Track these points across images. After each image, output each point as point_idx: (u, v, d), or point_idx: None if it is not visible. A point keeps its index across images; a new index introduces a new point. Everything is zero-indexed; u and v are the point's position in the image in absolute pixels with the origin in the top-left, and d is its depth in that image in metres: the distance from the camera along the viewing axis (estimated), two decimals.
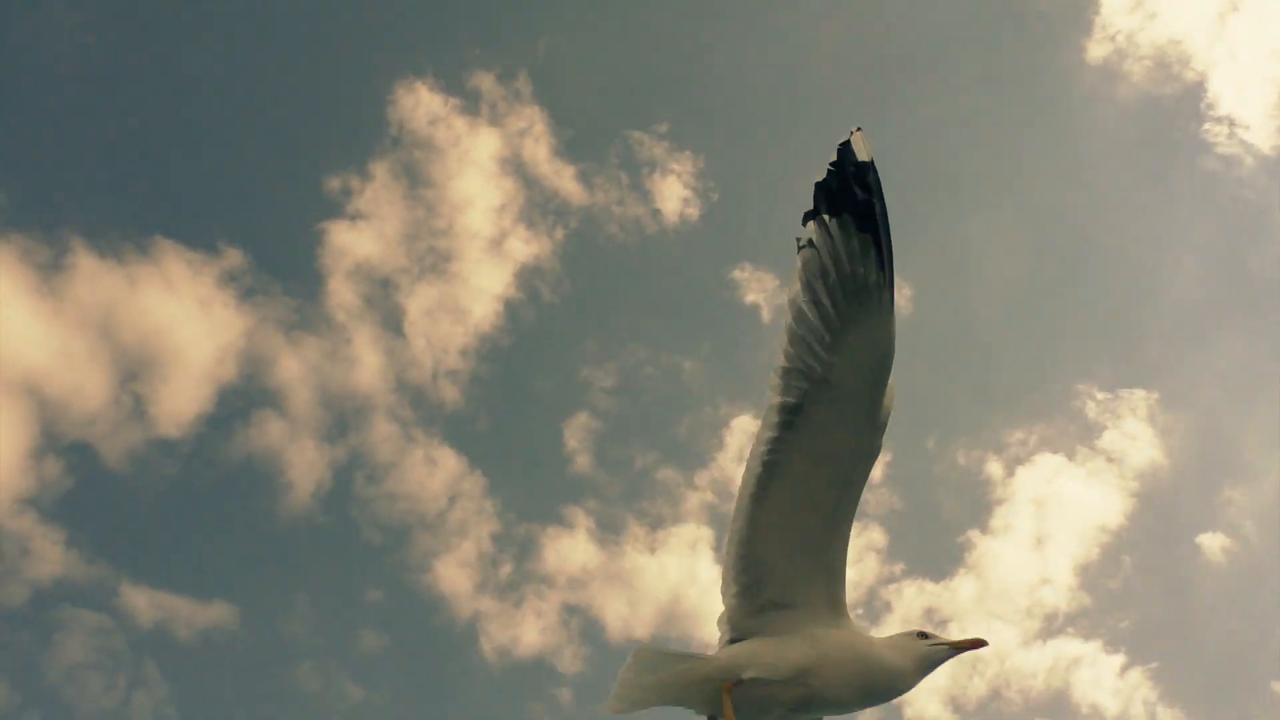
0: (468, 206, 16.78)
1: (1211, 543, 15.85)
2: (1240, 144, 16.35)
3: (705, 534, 16.41)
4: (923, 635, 3.77)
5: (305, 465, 15.72)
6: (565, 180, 16.83)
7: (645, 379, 16.82)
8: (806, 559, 3.65)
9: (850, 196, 3.29)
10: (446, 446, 16.25)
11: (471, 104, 16.90)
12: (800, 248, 3.34)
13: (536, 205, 16.97)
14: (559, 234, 17.45)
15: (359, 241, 16.32)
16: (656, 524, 16.19)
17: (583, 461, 16.46)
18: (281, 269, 16.27)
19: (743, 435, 16.92)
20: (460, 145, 16.71)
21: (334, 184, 16.33)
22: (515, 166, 16.78)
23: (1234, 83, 16.70)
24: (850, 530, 3.65)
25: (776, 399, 3.46)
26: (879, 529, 15.81)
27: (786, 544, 3.68)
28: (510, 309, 16.69)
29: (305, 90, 17.09)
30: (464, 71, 17.07)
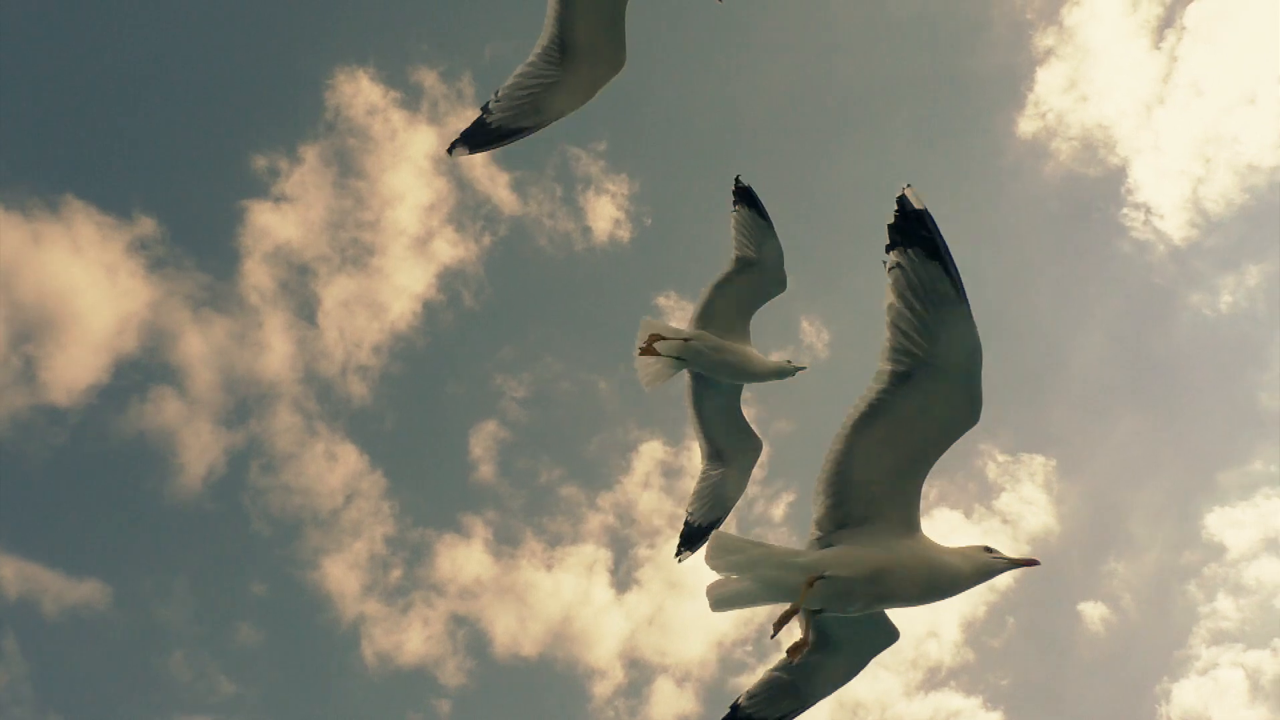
0: (397, 202, 16.54)
1: (1092, 611, 16.39)
2: (1154, 231, 17.08)
3: (604, 556, 16.34)
4: (988, 550, 4.69)
5: (200, 448, 15.22)
6: (499, 187, 16.71)
7: (559, 393, 16.74)
8: (888, 487, 4.45)
9: (915, 235, 4.12)
10: (349, 443, 15.88)
11: (412, 99, 16.69)
12: (889, 269, 4.16)
13: (467, 208, 16.81)
14: (486, 240, 17.29)
15: (281, 224, 15.93)
16: (555, 541, 16.06)
17: (486, 470, 16.26)
18: (197, 243, 15.78)
19: (651, 461, 16.92)
20: (396, 139, 16.48)
21: (261, 162, 15.93)
22: (449, 167, 16.61)
23: (1154, 171, 17.45)
24: (928, 472, 4.47)
25: (888, 366, 4.24)
26: None
27: (873, 471, 4.48)
28: (429, 310, 16.45)
29: (242, 64, 16.64)
30: (408, 65, 16.85)
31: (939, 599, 4.64)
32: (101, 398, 14.90)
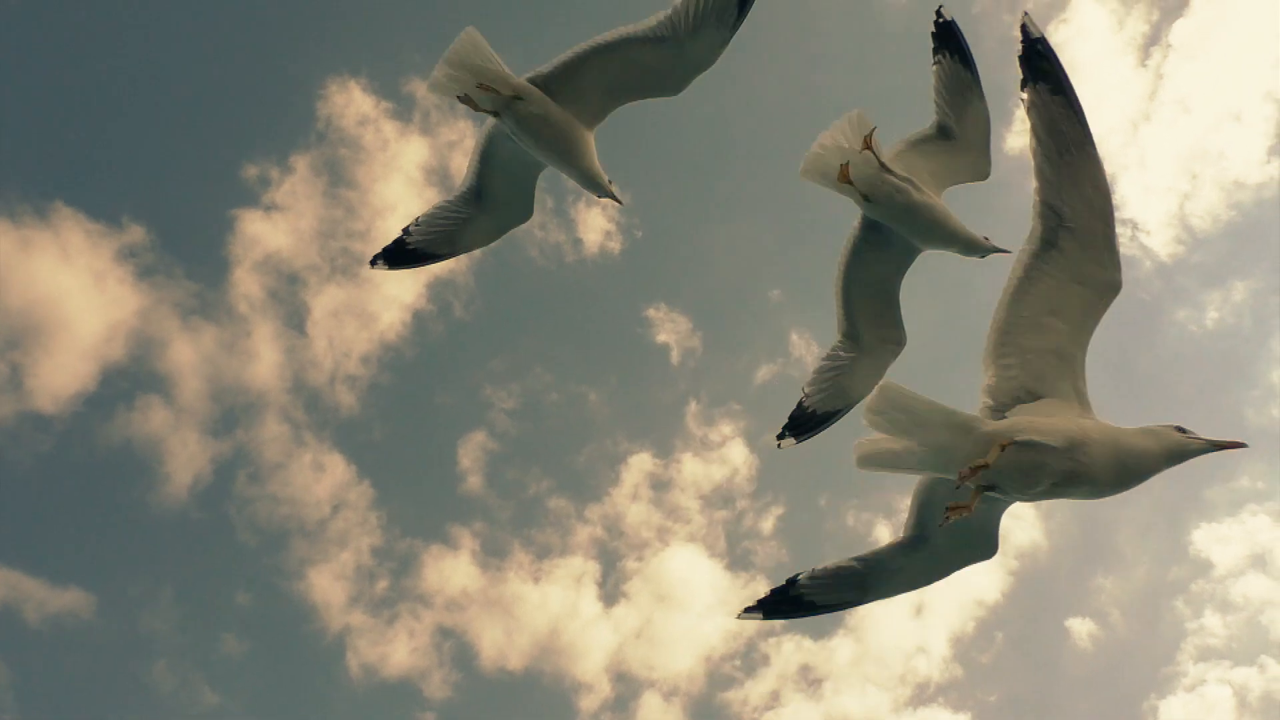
0: (388, 212, 16.52)
1: (1080, 627, 16.40)
2: (1140, 247, 17.17)
3: (591, 569, 16.31)
4: (1180, 430, 4.27)
5: (186, 457, 15.14)
6: None
7: (548, 405, 16.73)
8: (1053, 355, 4.32)
9: (1039, 65, 4.28)
10: (337, 453, 15.83)
11: (405, 110, 16.71)
12: (1027, 109, 4.28)
13: None
14: (477, 250, 17.29)
15: (271, 233, 15.92)
16: (543, 553, 16.03)
17: (474, 481, 16.23)
18: (186, 251, 15.74)
19: (640, 473, 16.91)
20: (388, 150, 16.49)
21: (252, 171, 15.91)
22: (441, 178, 16.63)
23: (1141, 188, 17.55)
24: (1088, 345, 4.36)
25: (1037, 225, 4.32)
26: (763, 581, 15.95)
27: (1037, 337, 4.38)
28: (419, 320, 16.44)
29: (234, 73, 16.63)
30: (401, 76, 16.88)
31: (1130, 484, 4.21)
32: (88, 405, 14.83)
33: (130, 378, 15.32)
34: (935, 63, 6.02)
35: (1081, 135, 4.25)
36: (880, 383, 4.21)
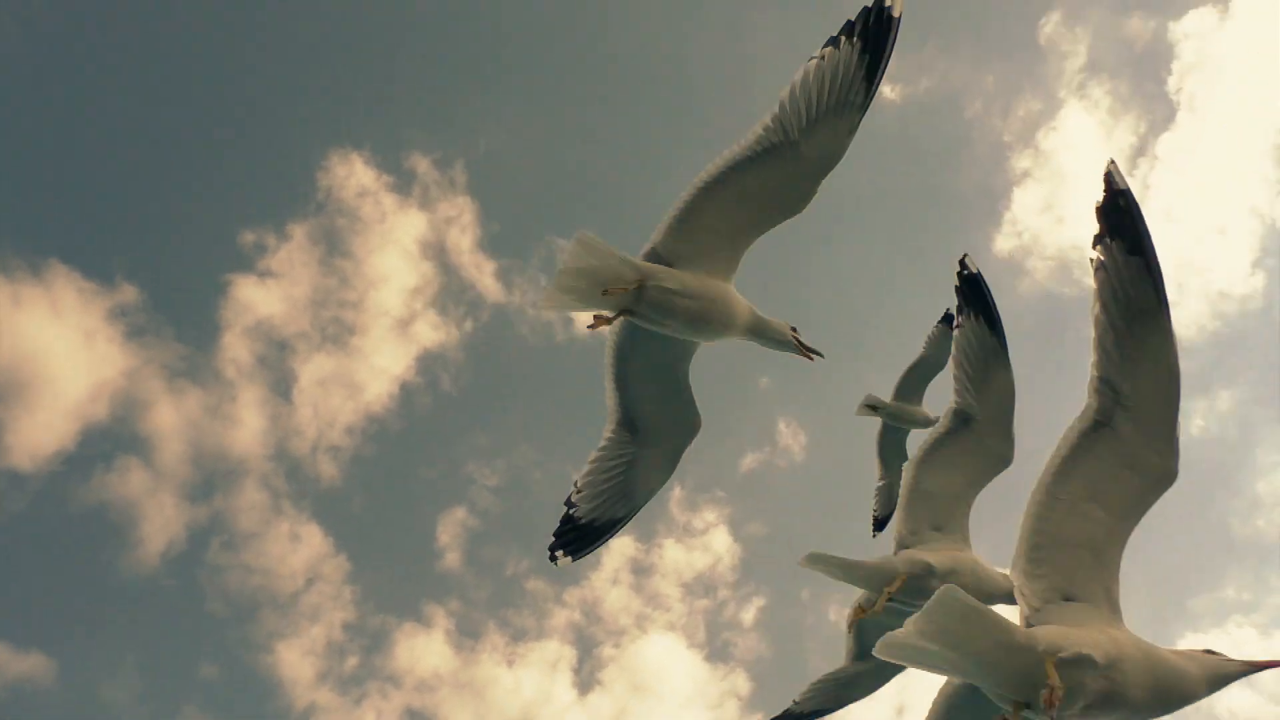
0: (382, 283, 16.60)
1: None
2: None
3: (568, 654, 15.95)
4: (1210, 653, 4.01)
5: (161, 521, 14.90)
6: (484, 275, 16.83)
7: (532, 483, 16.56)
8: (1088, 551, 3.97)
9: (1118, 221, 3.83)
10: (314, 524, 15.60)
11: (404, 184, 16.92)
12: (1095, 270, 3.87)
13: (451, 294, 16.91)
14: (469, 325, 17.30)
15: (264, 299, 15.96)
16: (519, 636, 15.69)
17: (452, 558, 15.97)
18: (177, 314, 15.76)
19: (621, 558, 16.64)
20: (386, 222, 16.63)
21: (249, 238, 16.03)
22: (437, 252, 16.75)
23: None
24: (1126, 543, 4.02)
25: (1092, 401, 3.94)
26: (744, 674, 15.60)
27: (1074, 527, 4.02)
28: (406, 392, 16.37)
29: (236, 140, 16.89)
30: (401, 151, 17.13)
31: (1169, 709, 3.87)
32: (66, 465, 14.65)
33: (111, 438, 15.15)
34: (957, 325, 5.48)
35: (1155, 303, 3.79)
36: (942, 591, 3.60)
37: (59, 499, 15.19)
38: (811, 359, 5.30)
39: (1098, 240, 3.86)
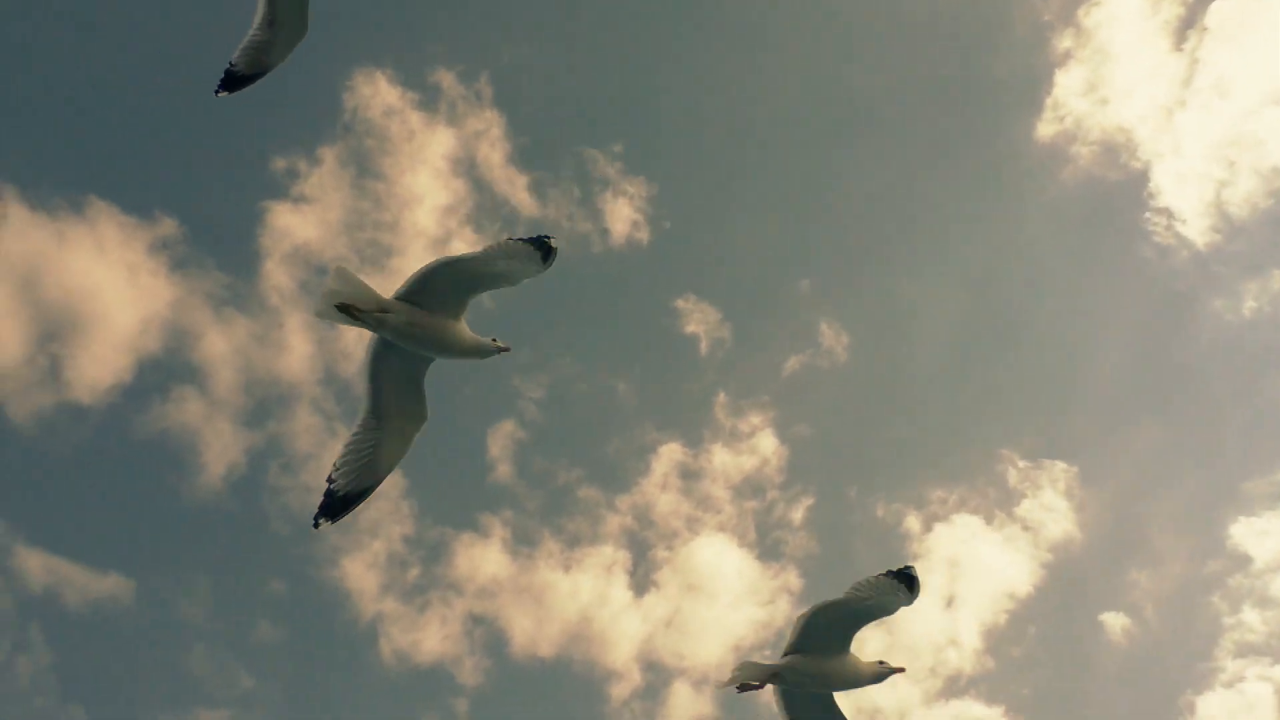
0: (416, 203, 16.75)
1: (1114, 622, 16.31)
2: (1176, 236, 16.98)
3: (622, 557, 16.38)
4: (880, 663, 9.05)
5: (220, 447, 15.43)
6: (518, 189, 16.86)
7: (576, 394, 16.85)
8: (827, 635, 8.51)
9: None
10: None
11: (430, 100, 16.84)
12: None
13: (485, 210, 17.00)
14: (505, 241, 17.31)
15: (300, 225, 16.16)
16: (573, 542, 16.15)
17: (504, 470, 16.37)
18: (217, 244, 16.01)
19: (669, 463, 16.90)
20: (415, 140, 16.67)
21: (280, 164, 16.16)
22: (468, 168, 16.77)
23: (1176, 176, 17.34)
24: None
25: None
26: (795, 572, 15.94)
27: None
28: None
29: None
30: (426, 66, 17.01)
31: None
32: (124, 396, 15.13)
33: (165, 369, 15.59)
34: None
35: None
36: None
37: (121, 430, 15.73)
38: (504, 350, 7.96)
39: None
